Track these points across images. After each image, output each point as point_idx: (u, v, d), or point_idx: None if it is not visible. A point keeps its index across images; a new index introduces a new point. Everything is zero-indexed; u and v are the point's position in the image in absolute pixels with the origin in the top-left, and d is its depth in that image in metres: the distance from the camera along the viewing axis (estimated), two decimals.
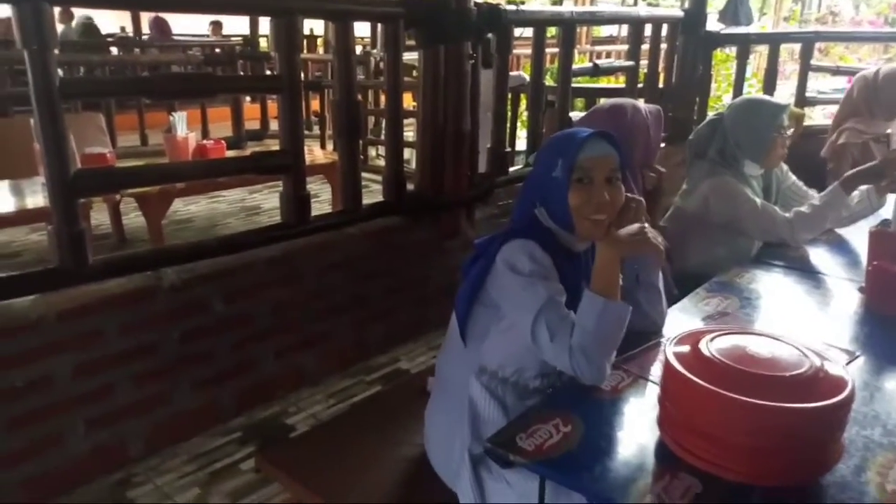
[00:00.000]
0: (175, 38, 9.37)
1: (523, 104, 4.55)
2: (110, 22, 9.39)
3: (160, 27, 9.25)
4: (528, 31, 3.30)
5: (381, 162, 4.51)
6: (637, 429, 1.19)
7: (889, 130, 3.05)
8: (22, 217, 3.43)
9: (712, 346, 1.13)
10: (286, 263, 2.28)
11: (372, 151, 6.04)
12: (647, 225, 1.35)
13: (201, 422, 2.15)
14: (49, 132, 1.74)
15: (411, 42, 2.67)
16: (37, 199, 3.36)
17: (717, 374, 1.06)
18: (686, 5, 4.02)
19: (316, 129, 6.55)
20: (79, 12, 8.11)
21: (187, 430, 2.12)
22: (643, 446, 1.14)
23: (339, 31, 2.38)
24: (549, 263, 1.34)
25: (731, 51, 5.64)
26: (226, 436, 2.15)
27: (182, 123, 3.90)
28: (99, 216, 3.96)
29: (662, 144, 3.64)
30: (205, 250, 2.13)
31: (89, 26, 8.10)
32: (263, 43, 7.86)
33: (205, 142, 4.08)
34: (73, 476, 1.90)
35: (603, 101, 2.31)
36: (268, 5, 2.34)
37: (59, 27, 7.95)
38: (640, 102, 2.02)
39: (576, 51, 7.74)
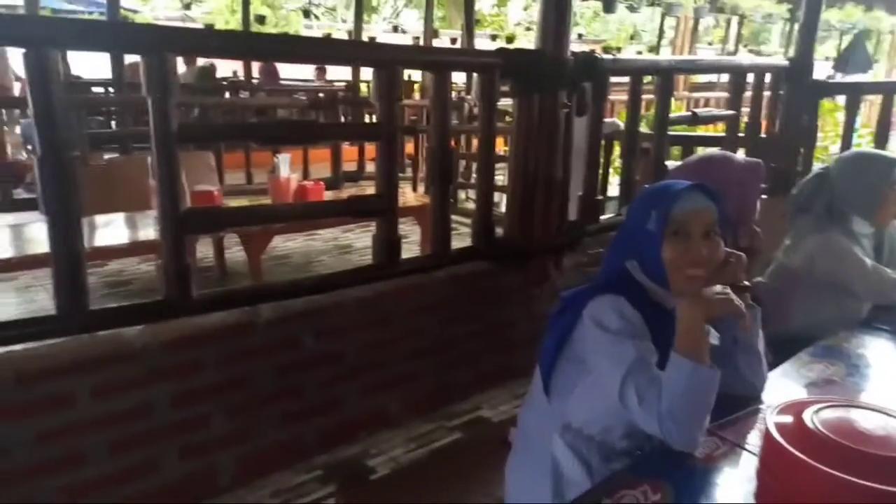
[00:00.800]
0: (282, 82, 9.91)
1: (616, 151, 4.51)
2: (223, 66, 10.05)
3: (269, 72, 9.82)
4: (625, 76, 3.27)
5: (471, 205, 4.55)
6: (732, 502, 1.12)
7: None
8: (135, 249, 3.68)
9: (818, 419, 1.06)
10: (375, 304, 2.33)
11: (462, 194, 6.12)
12: (728, 288, 1.28)
13: (286, 457, 2.20)
14: (165, 172, 1.87)
15: (505, 88, 2.70)
16: (148, 232, 3.59)
17: (823, 449, 0.99)
18: (791, 53, 3.89)
19: (408, 171, 6.71)
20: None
21: (273, 464, 2.17)
22: None
23: (437, 82, 2.44)
24: (640, 321, 1.30)
25: (840, 99, 5.40)
26: (308, 473, 2.18)
27: (285, 165, 4.09)
28: (203, 249, 4.19)
29: (763, 196, 3.53)
30: (300, 288, 2.21)
31: (206, 70, 8.71)
32: (363, 87, 8.19)
33: (305, 182, 4.26)
34: (163, 502, 1.97)
35: (699, 150, 2.27)
36: (371, 57, 2.45)
37: (181, 69, 8.61)
38: (737, 155, 1.96)
39: (673, 97, 7.66)
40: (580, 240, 2.98)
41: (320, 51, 2.57)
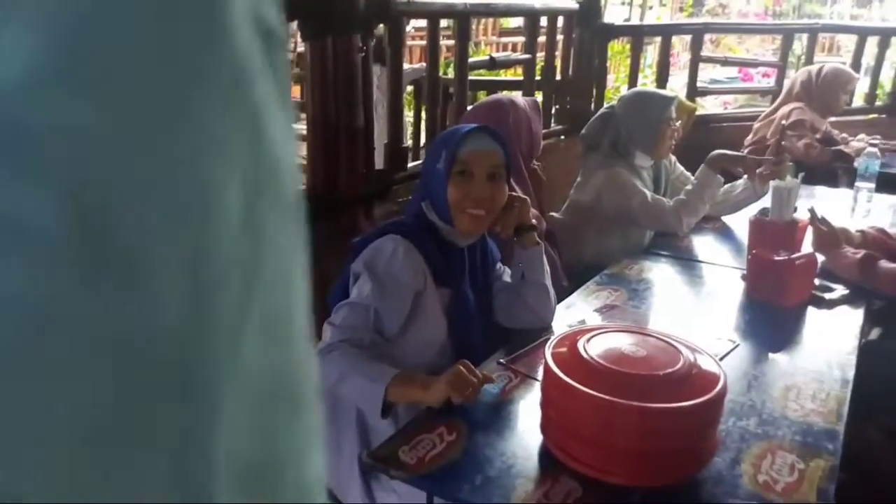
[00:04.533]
0: None
1: None
2: None
3: None
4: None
5: None
6: (523, 433, 1.17)
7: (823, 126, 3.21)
8: None
9: (589, 347, 1.11)
10: None
11: None
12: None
13: None
14: None
15: None
16: None
17: (594, 376, 1.05)
18: None
19: None
20: None
21: None
22: (528, 452, 1.12)
23: None
24: (415, 264, 1.33)
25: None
26: None
27: None
28: None
29: (562, 137, 3.70)
30: None
31: None
32: None
33: None
34: None
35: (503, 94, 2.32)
36: None
37: None
38: (516, 96, 2.06)
39: (482, 42, 7.74)
40: (389, 189, 2.94)
41: None
